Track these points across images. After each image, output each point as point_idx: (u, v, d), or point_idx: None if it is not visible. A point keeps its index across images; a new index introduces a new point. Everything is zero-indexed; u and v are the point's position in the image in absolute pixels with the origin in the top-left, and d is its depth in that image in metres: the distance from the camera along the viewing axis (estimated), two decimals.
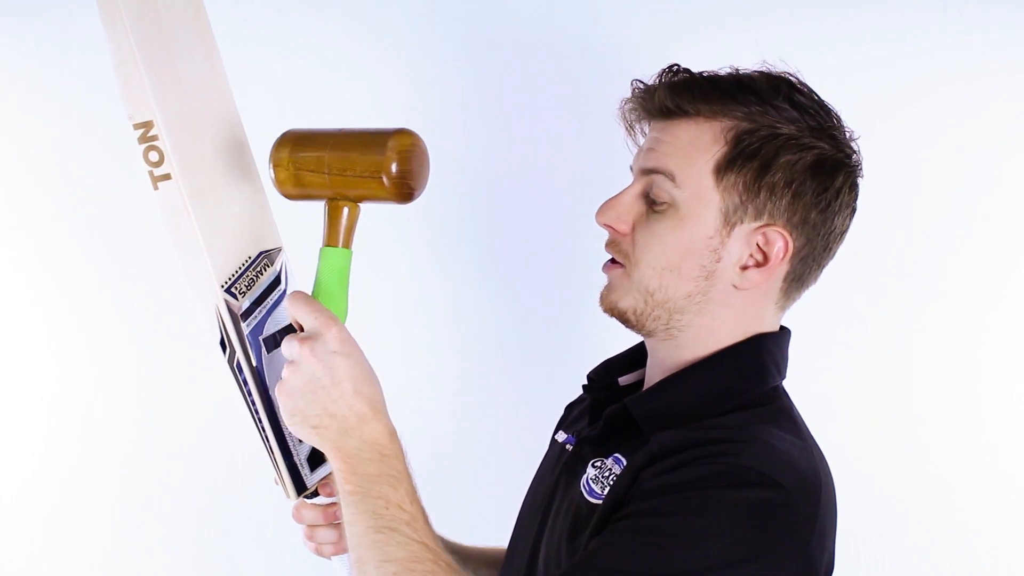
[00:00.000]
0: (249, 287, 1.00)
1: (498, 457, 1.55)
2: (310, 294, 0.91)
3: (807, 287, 1.02)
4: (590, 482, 0.97)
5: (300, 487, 1.05)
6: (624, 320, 1.00)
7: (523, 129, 1.53)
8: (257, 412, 1.01)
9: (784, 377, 1.02)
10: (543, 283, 1.56)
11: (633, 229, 0.98)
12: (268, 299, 1.02)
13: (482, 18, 1.52)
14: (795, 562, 0.88)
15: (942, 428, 1.50)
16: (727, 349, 0.98)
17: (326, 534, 1.08)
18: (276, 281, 1.04)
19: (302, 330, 0.89)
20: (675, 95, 0.96)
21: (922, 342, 1.50)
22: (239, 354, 0.99)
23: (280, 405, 0.89)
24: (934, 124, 1.46)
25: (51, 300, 1.58)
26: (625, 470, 0.94)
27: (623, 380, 1.10)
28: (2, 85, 1.55)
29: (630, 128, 1.06)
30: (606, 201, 1.00)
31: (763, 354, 0.99)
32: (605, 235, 1.02)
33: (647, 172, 0.97)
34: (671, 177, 0.95)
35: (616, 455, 0.97)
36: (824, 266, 1.01)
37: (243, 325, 0.99)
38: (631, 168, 1.03)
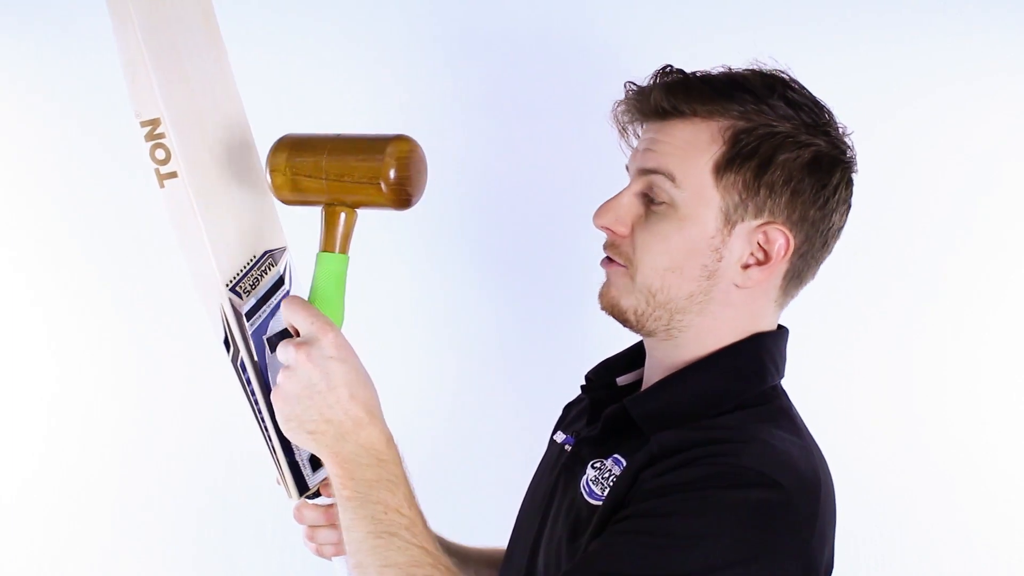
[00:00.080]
0: (253, 286, 1.00)
1: (498, 457, 1.55)
2: (306, 299, 0.91)
3: (805, 284, 1.02)
4: (590, 483, 0.97)
5: (302, 487, 1.05)
6: (624, 320, 1.00)
7: (522, 129, 1.53)
8: (260, 412, 1.01)
9: (783, 376, 1.02)
10: (543, 283, 1.56)
11: (632, 231, 0.98)
12: (272, 299, 1.02)
13: (480, 19, 1.52)
14: (795, 562, 0.88)
15: (942, 428, 1.50)
16: (726, 348, 0.99)
17: (327, 535, 1.08)
18: (280, 281, 1.04)
19: (298, 335, 0.89)
20: (671, 96, 0.96)
21: (922, 342, 1.50)
22: (243, 353, 0.99)
23: (276, 410, 0.89)
24: (934, 124, 1.46)
25: (51, 300, 1.58)
26: (625, 471, 0.94)
27: (621, 380, 1.10)
28: (2, 85, 1.55)
29: (623, 130, 1.05)
30: (603, 204, 1.00)
31: (762, 353, 0.99)
32: (604, 236, 1.01)
33: (645, 172, 0.97)
34: (671, 177, 0.95)
35: (616, 456, 0.97)
36: (821, 263, 1.02)
37: (247, 324, 0.99)
38: (627, 168, 1.03)
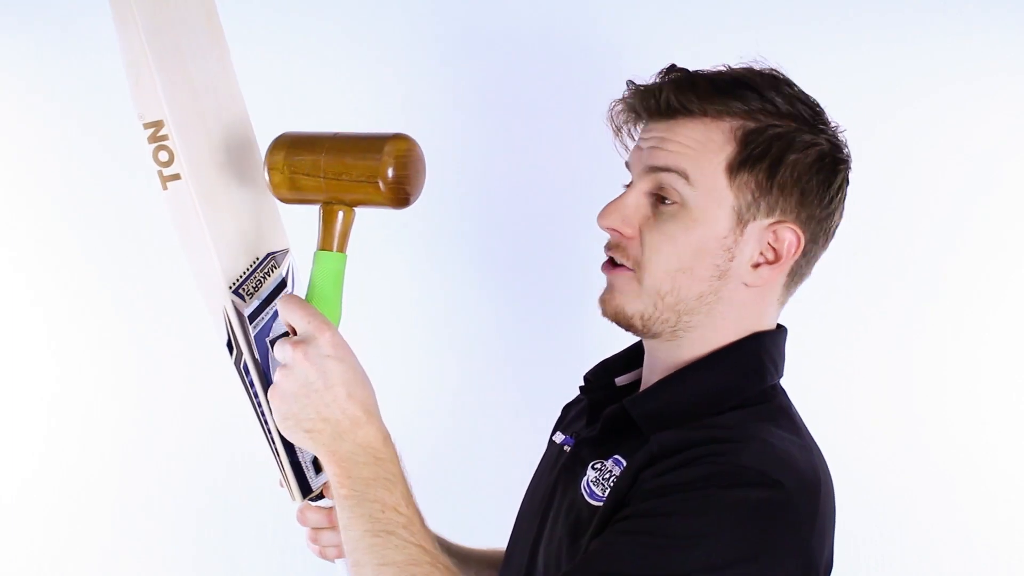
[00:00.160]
0: (256, 288, 1.00)
1: (498, 457, 1.55)
2: (304, 297, 0.91)
3: (803, 282, 1.03)
4: (590, 484, 0.97)
5: (305, 489, 1.05)
6: (629, 326, 0.99)
7: (523, 129, 1.53)
8: (263, 414, 1.01)
9: (782, 375, 1.02)
10: (543, 283, 1.56)
11: (639, 231, 0.97)
12: (275, 302, 1.02)
13: (482, 18, 1.52)
14: (795, 561, 0.88)
15: (942, 428, 1.50)
16: (726, 348, 0.99)
17: (331, 537, 1.08)
18: (282, 284, 1.04)
19: (295, 334, 0.89)
20: (681, 94, 0.95)
21: (922, 342, 1.50)
22: (246, 356, 0.99)
23: (273, 409, 0.89)
24: (934, 124, 1.46)
25: (51, 300, 1.58)
26: (625, 471, 0.93)
27: (620, 380, 1.10)
28: (2, 85, 1.55)
29: (618, 129, 1.05)
30: (609, 204, 0.99)
31: (761, 352, 0.99)
32: (605, 235, 1.01)
33: (655, 170, 0.96)
34: (684, 176, 0.94)
35: (616, 456, 0.97)
36: (817, 261, 1.02)
37: (250, 327, 0.99)
38: (627, 166, 1.02)
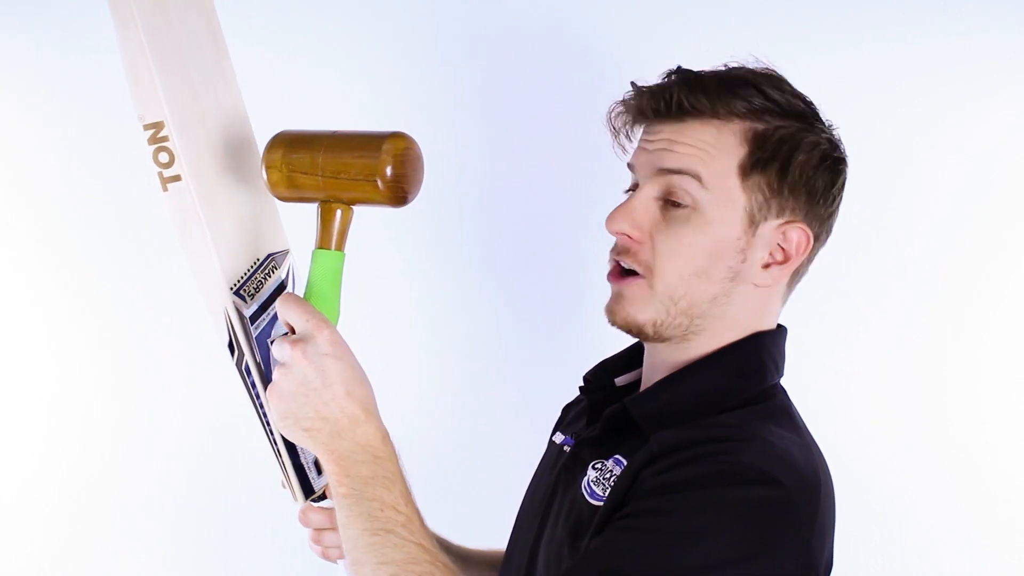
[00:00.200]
0: (257, 290, 1.00)
1: (498, 457, 1.55)
2: (302, 296, 0.91)
3: (801, 280, 1.03)
4: (591, 484, 0.97)
5: (308, 490, 1.05)
6: (640, 334, 0.98)
7: (523, 129, 1.53)
8: (264, 415, 1.01)
9: (782, 375, 1.03)
10: (543, 283, 1.56)
11: (650, 235, 0.96)
12: (275, 303, 1.02)
13: (481, 18, 1.52)
14: (795, 560, 0.88)
15: (942, 428, 1.50)
16: (727, 347, 0.99)
17: (333, 538, 1.08)
18: (283, 286, 1.04)
19: (294, 333, 0.89)
20: (692, 95, 0.95)
21: (922, 342, 1.50)
22: (247, 357, 0.99)
23: (272, 407, 0.89)
24: (934, 124, 1.46)
25: (51, 300, 1.58)
26: (625, 470, 0.94)
27: (619, 381, 1.10)
28: (2, 85, 1.55)
29: (618, 131, 1.04)
30: (617, 208, 0.97)
31: (762, 352, 1.00)
32: (604, 235, 1.00)
33: (666, 172, 0.95)
34: (697, 178, 0.94)
35: (616, 456, 0.97)
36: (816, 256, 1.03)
37: (251, 328, 0.99)
38: (629, 167, 1.02)
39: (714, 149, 0.95)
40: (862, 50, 1.45)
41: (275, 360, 0.89)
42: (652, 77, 1.03)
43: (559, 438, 1.11)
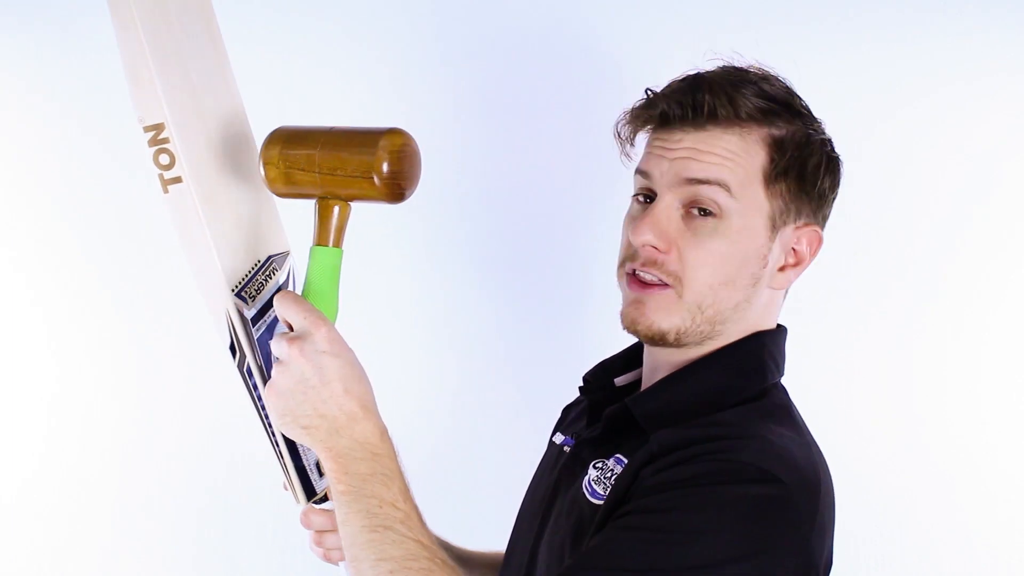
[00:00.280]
0: (258, 291, 1.00)
1: (498, 457, 1.55)
2: (300, 294, 0.91)
3: (800, 280, 1.03)
4: (592, 483, 0.97)
5: (309, 492, 1.05)
6: (661, 341, 0.97)
7: (523, 129, 1.53)
8: (267, 416, 1.01)
9: (783, 374, 1.03)
10: (543, 283, 1.56)
11: (676, 245, 0.95)
12: (274, 300, 1.02)
13: (482, 18, 1.52)
14: (795, 558, 0.88)
15: (942, 428, 1.50)
16: (727, 347, 0.99)
17: (335, 539, 1.07)
18: (284, 287, 1.04)
19: (292, 330, 0.89)
20: (719, 100, 0.94)
21: (922, 342, 1.50)
22: (249, 359, 0.99)
23: (270, 405, 0.89)
24: (934, 124, 1.46)
25: (51, 300, 1.58)
26: (626, 469, 0.94)
27: (619, 381, 1.10)
28: (2, 85, 1.55)
29: (628, 139, 1.04)
30: (641, 219, 0.96)
31: (763, 351, 1.00)
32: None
33: (694, 183, 0.94)
34: (726, 188, 0.94)
35: (617, 455, 0.97)
36: None
37: (252, 329, 0.99)
38: (642, 173, 0.99)
39: (741, 158, 0.94)
40: (862, 50, 1.45)
41: (275, 359, 0.89)
42: (652, 77, 1.03)
43: (559, 439, 1.11)
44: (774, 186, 0.95)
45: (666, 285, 0.95)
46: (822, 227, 1.01)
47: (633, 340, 1.09)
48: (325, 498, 1.06)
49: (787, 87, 0.98)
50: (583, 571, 0.86)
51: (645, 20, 1.48)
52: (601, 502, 0.94)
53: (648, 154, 1.00)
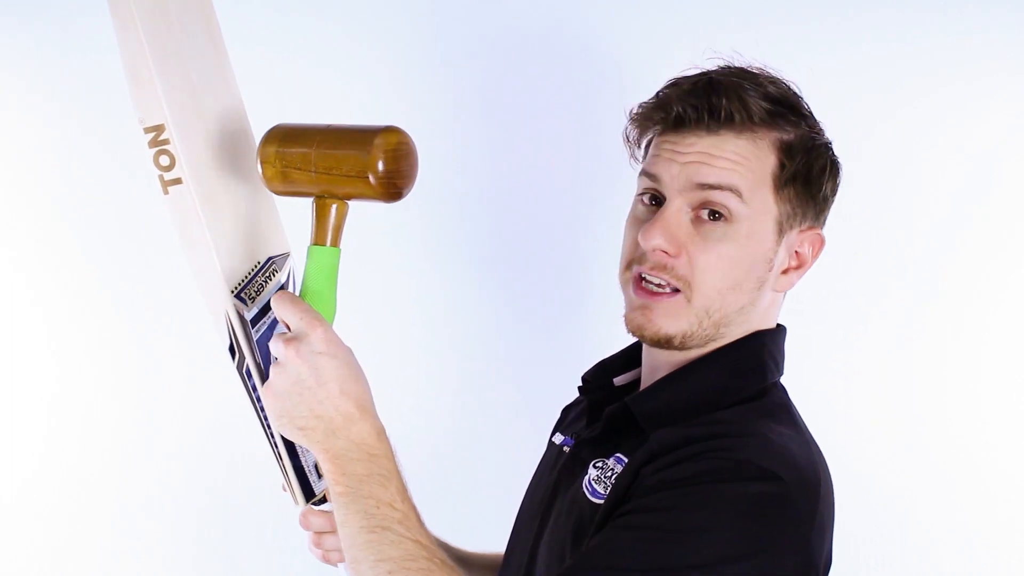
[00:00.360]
0: (258, 293, 1.00)
1: (498, 457, 1.55)
2: (298, 293, 0.91)
3: (800, 280, 1.04)
4: (592, 483, 0.97)
5: (308, 493, 1.04)
6: (667, 345, 0.97)
7: (523, 129, 1.53)
8: (266, 418, 1.01)
9: (782, 373, 1.03)
10: (543, 283, 1.56)
11: (685, 249, 0.94)
12: (271, 300, 1.02)
13: (482, 18, 1.52)
14: (795, 556, 0.88)
15: (942, 428, 1.50)
16: (727, 346, 0.99)
17: (334, 541, 1.07)
18: (284, 288, 1.04)
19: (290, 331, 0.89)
20: (733, 104, 0.93)
21: (922, 342, 1.50)
22: (248, 360, 0.99)
23: (266, 406, 0.89)
24: (934, 124, 1.46)
25: (51, 300, 1.58)
26: (626, 468, 0.94)
27: (618, 380, 1.10)
28: (2, 85, 1.55)
29: (636, 141, 1.03)
30: (651, 223, 0.95)
31: (762, 351, 1.00)
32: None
33: (705, 188, 0.94)
34: (738, 193, 0.94)
35: (617, 455, 0.97)
36: None
37: (252, 331, 0.98)
38: (648, 175, 0.98)
39: (751, 162, 0.94)
40: (862, 50, 1.45)
41: (273, 359, 0.89)
42: (652, 77, 1.03)
43: (559, 439, 1.11)
44: (783, 191, 0.96)
45: (675, 291, 0.95)
46: (822, 229, 1.01)
47: (633, 340, 1.09)
48: (324, 499, 1.06)
49: (792, 89, 0.98)
50: (583, 571, 0.86)
51: (645, 20, 1.48)
52: (601, 501, 0.94)
53: (657, 156, 0.98)
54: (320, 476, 1.05)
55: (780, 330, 1.04)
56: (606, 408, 1.01)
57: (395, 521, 0.85)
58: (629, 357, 1.11)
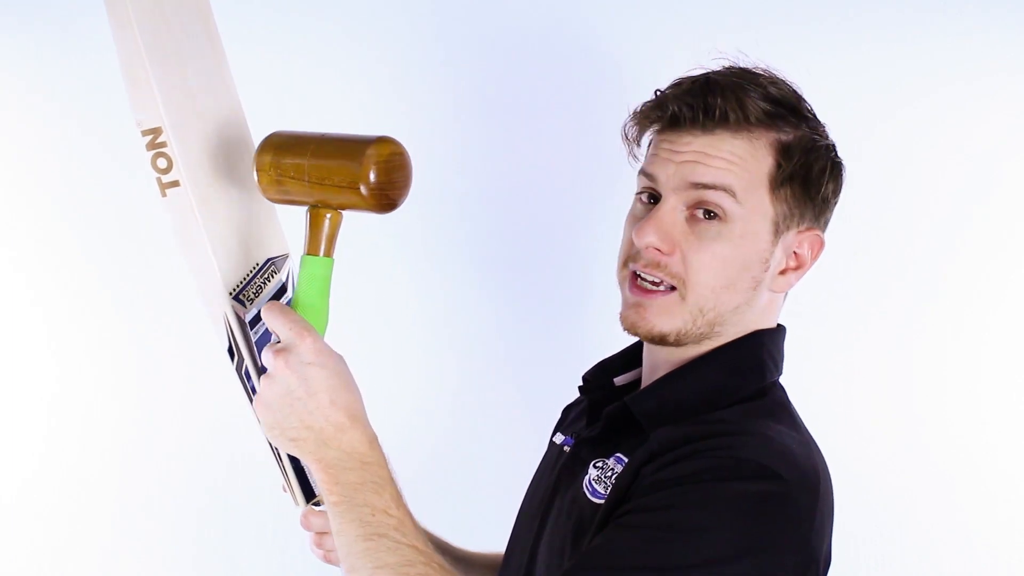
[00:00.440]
0: (256, 294, 1.00)
1: (498, 457, 1.55)
2: (290, 303, 0.91)
3: (801, 280, 1.03)
4: (592, 482, 0.97)
5: (309, 494, 1.04)
6: (661, 341, 0.98)
7: (523, 129, 1.53)
8: None
9: (781, 373, 1.03)
10: (543, 283, 1.56)
11: (679, 248, 0.95)
12: (262, 311, 1.01)
13: (482, 18, 1.52)
14: (794, 555, 0.88)
15: (942, 428, 1.50)
16: (726, 345, 0.99)
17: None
18: (283, 289, 1.04)
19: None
20: (729, 104, 0.93)
21: (922, 342, 1.50)
22: (247, 362, 0.99)
23: (259, 418, 0.89)
24: (934, 124, 1.46)
25: (51, 300, 1.58)
26: (626, 468, 0.94)
27: (619, 380, 1.10)
28: (2, 85, 1.55)
29: (635, 140, 1.04)
30: (645, 220, 0.96)
31: (761, 350, 1.00)
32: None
33: (700, 187, 0.94)
34: (732, 193, 0.94)
35: (617, 454, 0.97)
36: None
37: (251, 333, 0.98)
38: (646, 175, 0.99)
39: (746, 162, 0.94)
40: (862, 50, 1.45)
41: (263, 371, 0.89)
42: (652, 77, 1.03)
43: (559, 439, 1.11)
44: (779, 191, 0.95)
45: (670, 289, 0.96)
46: (823, 231, 1.01)
47: (633, 340, 1.09)
48: None
49: (795, 91, 0.98)
50: (584, 571, 0.86)
51: (645, 20, 1.48)
52: (602, 501, 0.94)
53: (654, 156, 0.99)
54: None
55: (780, 330, 1.04)
56: (606, 408, 1.01)
57: (391, 528, 0.85)
58: (630, 357, 1.11)
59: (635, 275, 0.97)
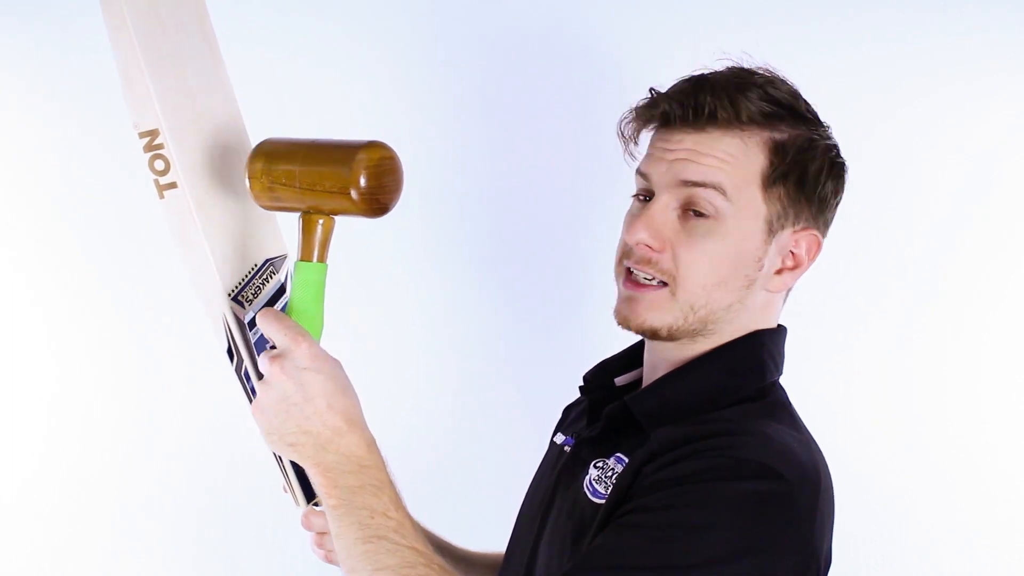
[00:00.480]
0: (255, 295, 1.00)
1: (498, 457, 1.55)
2: (284, 309, 0.91)
3: (801, 280, 1.03)
4: (593, 482, 0.97)
5: (309, 495, 1.04)
6: (653, 336, 0.98)
7: (523, 129, 1.53)
8: None
9: (781, 373, 1.03)
10: (543, 283, 1.56)
11: (671, 245, 0.95)
12: (274, 307, 1.02)
13: (482, 18, 1.52)
14: (795, 555, 0.88)
15: (942, 428, 1.50)
16: (726, 345, 0.99)
17: None
18: (282, 290, 1.04)
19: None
20: (721, 103, 0.94)
21: (922, 342, 1.50)
22: (247, 363, 0.99)
23: (256, 424, 0.89)
24: (934, 124, 1.46)
25: (51, 300, 1.58)
26: (627, 468, 0.94)
27: (619, 380, 1.10)
28: (2, 85, 1.55)
29: (630, 138, 1.04)
30: (637, 218, 0.97)
31: (761, 350, 1.00)
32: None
33: (690, 185, 0.95)
34: (721, 191, 0.94)
35: (618, 455, 0.97)
36: None
37: (250, 334, 0.98)
38: (641, 174, 1.00)
39: (739, 161, 0.95)
40: (862, 50, 1.46)
41: (260, 376, 0.89)
42: (652, 77, 1.03)
43: (560, 439, 1.11)
44: (772, 190, 0.95)
45: (661, 284, 0.96)
46: (823, 232, 1.00)
47: (633, 340, 1.09)
48: None
49: (793, 91, 0.98)
50: (584, 571, 0.86)
51: (645, 20, 1.48)
52: (603, 501, 0.94)
53: (649, 155, 1.00)
54: None
55: (780, 330, 1.04)
56: (606, 408, 1.01)
57: (390, 530, 0.86)
58: (630, 357, 1.11)
59: (629, 271, 0.98)
